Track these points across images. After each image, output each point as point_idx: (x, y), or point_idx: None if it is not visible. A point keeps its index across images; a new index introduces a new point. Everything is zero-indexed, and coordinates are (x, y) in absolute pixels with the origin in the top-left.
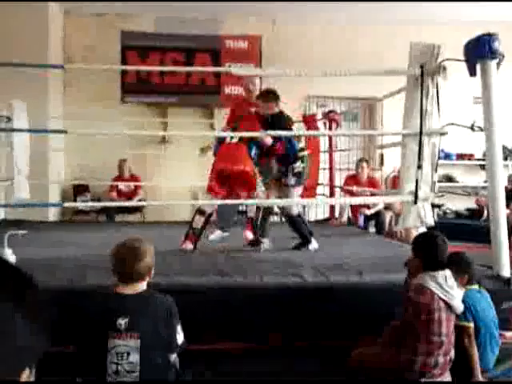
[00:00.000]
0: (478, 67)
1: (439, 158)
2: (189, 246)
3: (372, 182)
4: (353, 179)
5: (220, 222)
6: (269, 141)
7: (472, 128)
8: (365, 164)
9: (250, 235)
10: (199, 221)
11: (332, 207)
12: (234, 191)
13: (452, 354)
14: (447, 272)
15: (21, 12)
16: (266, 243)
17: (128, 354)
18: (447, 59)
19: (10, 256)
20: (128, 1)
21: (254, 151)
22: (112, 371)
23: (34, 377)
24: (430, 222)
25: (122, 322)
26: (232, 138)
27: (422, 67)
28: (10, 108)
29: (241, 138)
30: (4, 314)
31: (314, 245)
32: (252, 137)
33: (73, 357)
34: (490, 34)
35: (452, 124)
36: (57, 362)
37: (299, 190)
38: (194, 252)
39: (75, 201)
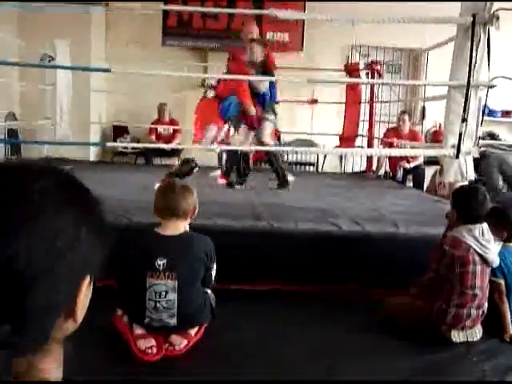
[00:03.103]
0: None
1: (484, 113)
2: (221, 181)
3: (414, 135)
4: (394, 132)
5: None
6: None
7: None
8: (406, 117)
9: (221, 181)
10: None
11: (370, 159)
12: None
13: (485, 307)
14: (484, 225)
15: None
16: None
17: (166, 292)
18: (501, 8)
19: None
20: None
21: (233, 102)
22: (151, 307)
23: (91, 288)
24: (471, 176)
25: (161, 262)
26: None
27: (473, 16)
28: (53, 47)
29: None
30: (71, 222)
31: (290, 178)
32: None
33: (114, 291)
34: None
35: (502, 77)
36: (99, 296)
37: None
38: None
39: (115, 141)
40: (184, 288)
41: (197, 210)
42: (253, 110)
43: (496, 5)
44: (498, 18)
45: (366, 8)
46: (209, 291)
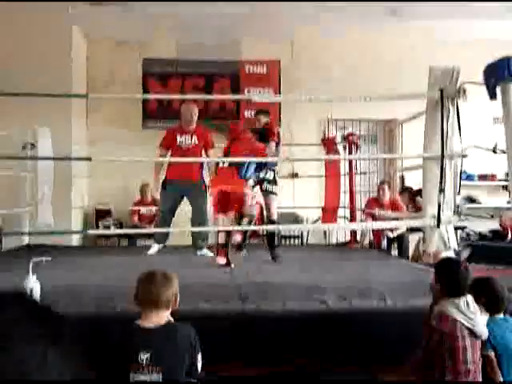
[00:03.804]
0: (498, 90)
1: (461, 179)
2: (221, 260)
3: (395, 204)
4: (375, 202)
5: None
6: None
7: (494, 151)
8: (386, 186)
9: (221, 260)
10: (222, 237)
11: (353, 230)
12: (229, 208)
13: (480, 380)
14: (469, 297)
15: (45, 38)
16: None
17: None
18: (467, 82)
19: (35, 282)
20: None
21: (253, 166)
22: None
23: None
24: (454, 245)
25: (144, 356)
26: (224, 162)
27: (441, 90)
28: (35, 134)
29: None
30: (39, 351)
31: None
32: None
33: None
34: (509, 57)
35: (474, 147)
36: None
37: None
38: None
39: (97, 224)
40: (169, 380)
41: (178, 299)
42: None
43: (462, 77)
44: (464, 91)
45: (341, 83)
46: (193, 381)
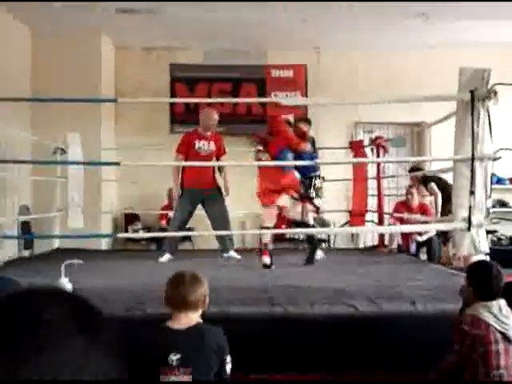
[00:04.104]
0: None
1: (492, 183)
2: (266, 259)
3: (424, 209)
4: (403, 205)
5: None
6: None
7: None
8: (415, 190)
9: (267, 259)
10: (267, 235)
11: (381, 234)
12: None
13: None
14: (501, 301)
15: (75, 48)
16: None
17: None
18: (498, 83)
19: (67, 285)
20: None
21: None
22: None
23: None
24: (485, 249)
25: (174, 358)
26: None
27: (471, 92)
28: (65, 140)
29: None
30: (80, 350)
31: (320, 254)
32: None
33: None
34: None
35: (506, 149)
36: None
37: None
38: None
39: (126, 229)
40: (199, 382)
41: (207, 300)
42: (305, 145)
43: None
44: (495, 93)
45: (368, 86)
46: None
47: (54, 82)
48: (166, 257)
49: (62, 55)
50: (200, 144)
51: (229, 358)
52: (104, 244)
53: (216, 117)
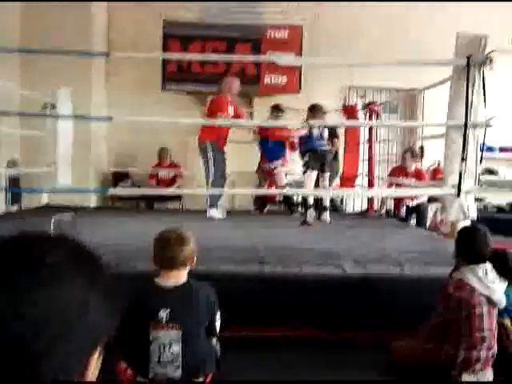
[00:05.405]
0: None
1: (483, 150)
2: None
3: (419, 174)
4: (399, 170)
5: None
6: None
7: None
8: (409, 154)
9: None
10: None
11: (371, 199)
12: None
13: (495, 349)
14: (488, 265)
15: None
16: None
17: (170, 344)
18: (495, 50)
19: None
20: None
21: None
22: (155, 360)
23: (101, 356)
24: (473, 215)
25: (164, 314)
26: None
27: (468, 58)
28: (55, 95)
29: None
30: (79, 294)
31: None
32: None
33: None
34: None
35: (499, 116)
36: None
37: None
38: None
39: (116, 186)
40: (188, 339)
41: (195, 257)
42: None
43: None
44: (491, 60)
45: (363, 49)
46: (214, 340)
47: (44, 38)
48: (215, 211)
49: (52, 10)
50: (229, 109)
51: (218, 314)
52: (93, 201)
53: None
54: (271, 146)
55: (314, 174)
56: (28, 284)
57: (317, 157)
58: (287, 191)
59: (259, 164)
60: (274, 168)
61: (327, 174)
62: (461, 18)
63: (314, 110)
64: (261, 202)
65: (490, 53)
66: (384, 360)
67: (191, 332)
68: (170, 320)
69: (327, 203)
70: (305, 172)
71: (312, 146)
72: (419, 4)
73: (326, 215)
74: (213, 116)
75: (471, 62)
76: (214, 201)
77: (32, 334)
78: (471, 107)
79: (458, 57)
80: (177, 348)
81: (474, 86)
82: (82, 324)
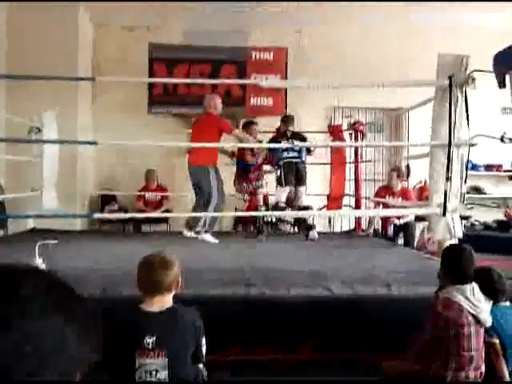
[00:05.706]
0: (508, 78)
1: (467, 169)
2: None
3: (405, 193)
4: (385, 190)
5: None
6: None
7: (502, 139)
8: (395, 174)
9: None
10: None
11: (359, 218)
12: None
13: (483, 368)
14: (474, 285)
15: (51, 22)
16: None
17: (156, 371)
18: (476, 70)
19: (41, 265)
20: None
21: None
22: None
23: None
24: (459, 234)
25: (150, 340)
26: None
27: (450, 78)
28: (41, 119)
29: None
30: (55, 328)
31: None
32: None
33: (101, 366)
34: None
35: (482, 135)
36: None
37: None
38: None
39: (102, 210)
40: (175, 365)
41: (180, 282)
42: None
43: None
44: (473, 80)
45: (348, 70)
46: (200, 366)
47: (29, 61)
48: (210, 237)
49: (37, 29)
50: None
51: (204, 340)
52: (79, 225)
53: None
54: (246, 164)
55: (287, 188)
56: (2, 319)
57: (290, 169)
58: (275, 213)
59: (238, 180)
60: (257, 188)
61: (303, 188)
62: (446, 37)
63: (287, 120)
64: (244, 222)
65: (471, 72)
66: (374, 381)
67: (177, 358)
68: (156, 346)
69: (311, 221)
70: (277, 187)
71: (281, 156)
72: (406, 23)
73: (314, 232)
74: (212, 136)
75: (453, 82)
76: (211, 226)
77: (6, 367)
78: (454, 127)
79: (440, 77)
80: (164, 374)
81: (456, 105)
82: (59, 357)
